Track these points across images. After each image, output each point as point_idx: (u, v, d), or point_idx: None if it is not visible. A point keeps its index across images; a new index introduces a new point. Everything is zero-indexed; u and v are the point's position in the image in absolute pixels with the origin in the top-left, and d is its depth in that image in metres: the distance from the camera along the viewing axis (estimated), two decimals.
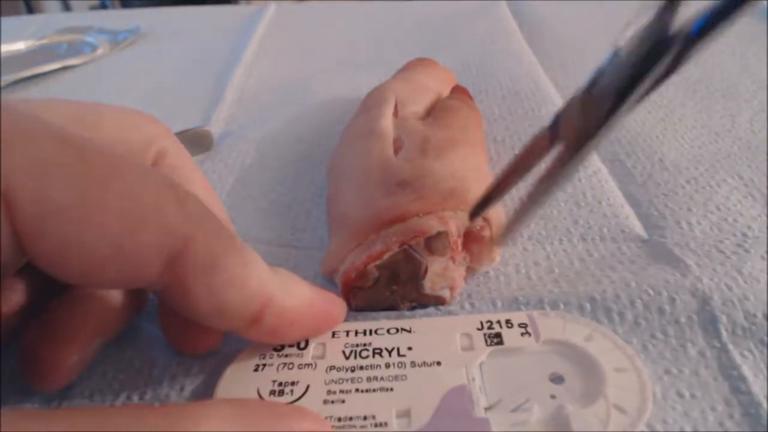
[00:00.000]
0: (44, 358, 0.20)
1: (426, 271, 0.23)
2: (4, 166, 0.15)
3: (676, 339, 0.21)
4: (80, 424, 0.13)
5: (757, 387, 0.19)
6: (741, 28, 0.52)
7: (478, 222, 0.24)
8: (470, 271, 0.25)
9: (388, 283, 0.23)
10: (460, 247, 0.24)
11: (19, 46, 0.63)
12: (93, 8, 1.96)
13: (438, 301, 0.24)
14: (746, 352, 0.21)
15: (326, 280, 0.26)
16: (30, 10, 1.99)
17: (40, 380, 0.20)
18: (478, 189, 0.25)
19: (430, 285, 0.23)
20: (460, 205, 0.24)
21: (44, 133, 0.16)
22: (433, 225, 0.23)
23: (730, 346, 0.21)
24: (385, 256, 0.22)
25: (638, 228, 0.28)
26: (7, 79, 0.53)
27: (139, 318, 0.24)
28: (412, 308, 0.24)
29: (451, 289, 0.24)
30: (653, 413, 0.18)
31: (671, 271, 0.24)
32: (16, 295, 0.20)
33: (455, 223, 0.23)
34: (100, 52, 0.62)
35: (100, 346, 0.21)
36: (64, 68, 0.58)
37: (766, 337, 0.21)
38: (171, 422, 0.14)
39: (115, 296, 0.22)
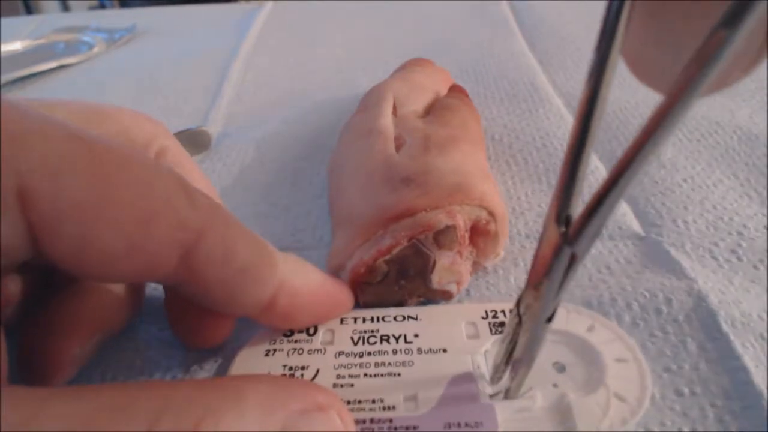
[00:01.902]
0: (44, 352, 0.20)
1: (434, 266, 0.23)
2: (20, 163, 0.15)
3: (676, 335, 0.21)
4: (94, 406, 0.13)
5: (758, 377, 0.19)
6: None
7: (484, 216, 0.24)
8: (475, 266, 0.25)
9: (396, 278, 0.23)
10: (467, 242, 0.24)
11: (17, 46, 0.63)
12: (92, 8, 1.95)
13: (445, 296, 0.24)
14: (747, 344, 0.21)
15: None
16: (29, 10, 1.98)
17: (41, 375, 0.20)
18: (481, 184, 0.25)
19: (437, 279, 0.23)
20: (465, 199, 0.24)
21: (56, 131, 0.16)
22: (441, 219, 0.23)
23: (732, 336, 0.21)
24: (394, 251, 0.23)
25: (635, 225, 0.28)
26: (4, 78, 0.53)
27: (139, 319, 0.24)
28: (420, 303, 0.24)
29: (458, 283, 0.24)
30: (651, 415, 0.19)
31: (667, 275, 0.24)
32: (14, 290, 0.20)
33: (462, 217, 0.23)
34: (96, 50, 0.62)
35: (100, 343, 0.21)
36: (61, 67, 0.58)
37: (765, 332, 0.21)
38: (183, 401, 0.14)
39: (115, 292, 0.22)
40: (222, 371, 0.21)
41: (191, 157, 0.26)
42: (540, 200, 0.31)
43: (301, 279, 0.20)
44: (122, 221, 0.16)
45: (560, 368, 0.20)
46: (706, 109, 0.39)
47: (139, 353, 0.23)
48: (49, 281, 0.21)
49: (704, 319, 0.22)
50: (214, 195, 0.25)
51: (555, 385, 0.19)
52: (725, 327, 0.21)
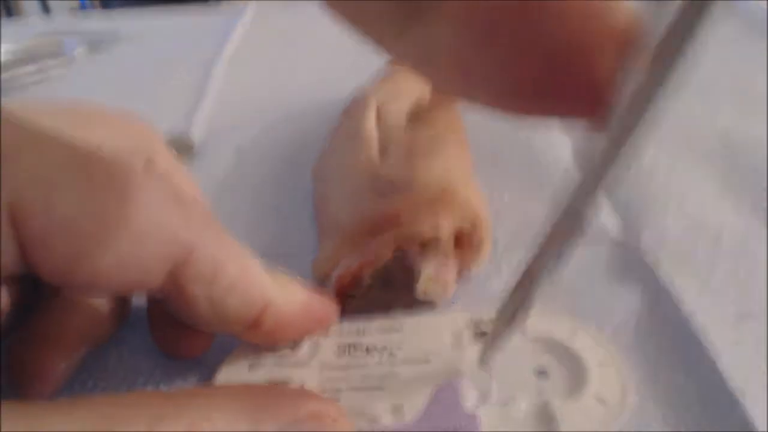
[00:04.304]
0: (31, 365, 0.20)
1: (419, 275, 0.23)
2: (12, 180, 0.15)
3: (654, 346, 0.22)
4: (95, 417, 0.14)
5: (733, 382, 0.20)
6: (722, 30, 0.53)
7: (469, 223, 0.24)
8: (460, 273, 0.25)
9: (381, 288, 0.23)
10: (451, 249, 0.24)
11: None
12: (73, 9, 1.93)
13: (430, 305, 0.24)
14: (721, 349, 0.21)
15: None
16: (9, 10, 1.95)
17: (26, 388, 0.20)
18: (465, 191, 0.25)
19: (422, 289, 0.23)
20: (450, 206, 0.24)
21: (49, 145, 0.16)
22: (425, 228, 0.23)
23: (705, 343, 0.21)
24: (379, 261, 0.23)
25: (615, 230, 0.28)
26: None
27: (123, 327, 0.24)
28: (405, 312, 0.24)
29: (443, 291, 0.24)
30: (630, 424, 0.19)
31: (645, 282, 0.25)
32: (3, 302, 0.20)
33: (447, 225, 0.24)
34: (78, 55, 0.61)
35: (86, 354, 0.21)
36: (42, 72, 0.57)
37: (739, 338, 0.22)
38: (177, 410, 0.14)
39: (102, 303, 0.22)
40: (204, 379, 0.22)
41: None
42: (524, 205, 0.31)
43: (288, 299, 0.20)
44: (114, 239, 0.16)
45: (543, 374, 0.20)
46: (686, 114, 0.39)
47: (122, 362, 0.23)
48: (36, 291, 0.21)
49: (680, 328, 0.22)
50: (204, 202, 0.25)
51: (538, 392, 0.19)
52: (699, 334, 0.22)
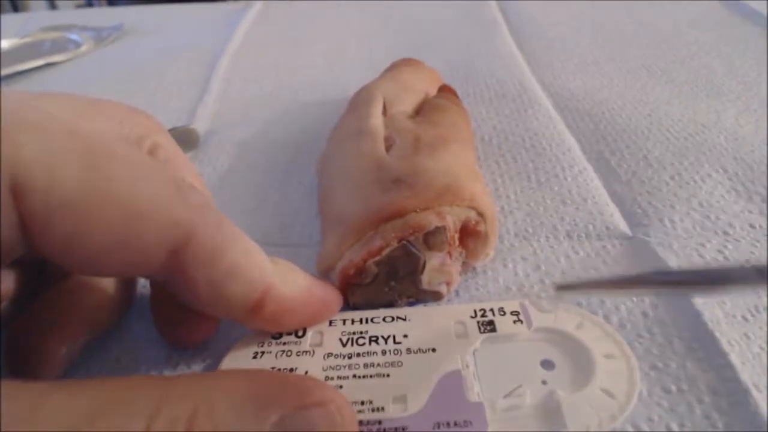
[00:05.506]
0: (33, 350, 0.20)
1: (424, 267, 0.23)
2: (14, 157, 0.15)
3: (662, 336, 0.22)
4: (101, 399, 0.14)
5: (745, 374, 0.20)
6: (726, 31, 0.53)
7: (474, 216, 0.24)
8: (465, 266, 0.25)
9: (386, 279, 0.23)
10: (456, 242, 0.24)
11: (2, 44, 0.62)
12: (79, 6, 1.94)
13: (435, 297, 0.24)
14: (733, 342, 0.21)
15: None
16: (16, 8, 1.96)
17: (27, 373, 0.20)
18: (471, 185, 0.25)
19: (427, 280, 0.23)
20: (455, 200, 0.24)
21: (53, 126, 0.16)
22: (431, 220, 0.23)
23: (717, 335, 0.21)
24: (384, 252, 0.23)
25: (622, 225, 0.28)
26: None
27: (127, 317, 0.24)
28: (410, 304, 0.24)
29: (448, 284, 0.24)
30: (638, 411, 0.19)
31: None
32: (8, 286, 0.20)
33: (452, 218, 0.24)
34: (83, 48, 0.62)
35: (89, 341, 0.21)
36: (48, 65, 0.58)
37: (749, 332, 0.21)
38: (181, 392, 0.14)
39: (106, 290, 0.22)
40: (207, 368, 0.22)
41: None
42: (529, 199, 0.31)
43: (290, 283, 0.20)
44: (113, 218, 0.16)
45: (549, 365, 0.20)
46: (692, 112, 0.39)
47: (125, 351, 0.23)
48: (41, 277, 0.21)
49: (690, 320, 0.22)
50: (205, 191, 0.25)
51: (544, 382, 0.19)
52: (711, 325, 0.22)
